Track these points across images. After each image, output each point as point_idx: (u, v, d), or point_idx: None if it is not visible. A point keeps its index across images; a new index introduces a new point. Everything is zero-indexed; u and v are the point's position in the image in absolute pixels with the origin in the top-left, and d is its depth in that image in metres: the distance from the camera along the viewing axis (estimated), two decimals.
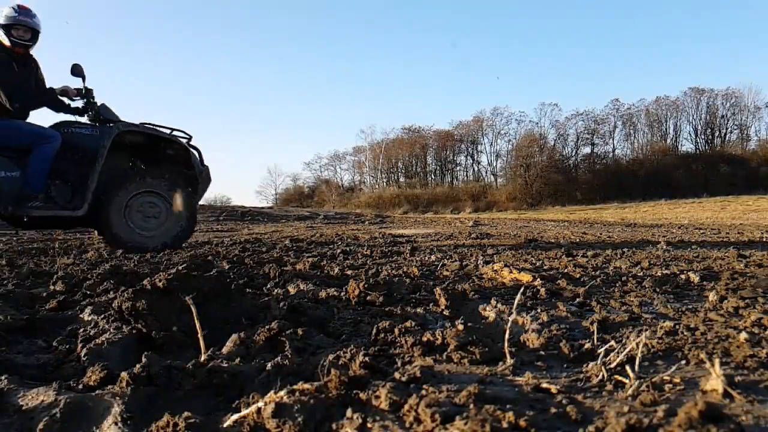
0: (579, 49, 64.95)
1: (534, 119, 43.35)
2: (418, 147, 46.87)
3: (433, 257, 3.48)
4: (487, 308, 1.61)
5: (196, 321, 1.11)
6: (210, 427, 0.78)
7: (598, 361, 1.00)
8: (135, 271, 2.34)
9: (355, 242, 5.31)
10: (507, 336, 1.11)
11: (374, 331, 1.33)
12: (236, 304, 1.46)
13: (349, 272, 2.59)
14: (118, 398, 0.87)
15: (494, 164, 45.16)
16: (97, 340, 1.21)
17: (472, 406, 0.76)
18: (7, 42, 4.07)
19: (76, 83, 4.44)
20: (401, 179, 47.75)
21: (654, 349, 1.14)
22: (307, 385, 0.81)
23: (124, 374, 0.93)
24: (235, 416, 0.79)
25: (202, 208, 15.48)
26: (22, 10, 4.11)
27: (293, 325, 1.30)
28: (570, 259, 3.27)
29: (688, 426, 0.67)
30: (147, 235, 4.35)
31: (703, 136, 40.72)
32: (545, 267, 2.81)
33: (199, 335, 1.10)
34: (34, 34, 4.17)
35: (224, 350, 1.16)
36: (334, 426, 0.74)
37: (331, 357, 0.98)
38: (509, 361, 1.05)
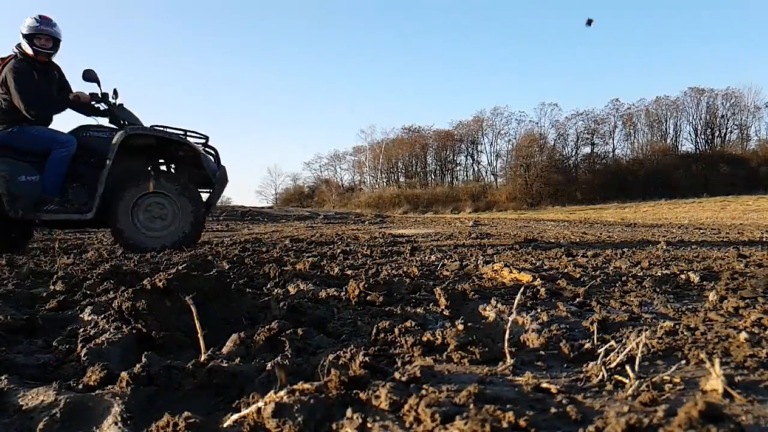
0: (579, 49, 64.98)
1: (534, 119, 43.33)
2: (418, 147, 46.86)
3: (433, 257, 3.48)
4: (487, 308, 1.61)
5: (196, 321, 1.11)
6: (210, 427, 0.79)
7: (598, 361, 1.00)
8: (135, 271, 2.34)
9: (355, 242, 5.31)
10: (507, 336, 1.11)
11: (374, 331, 1.33)
12: (236, 304, 1.46)
13: (349, 272, 2.59)
14: (118, 398, 0.87)
15: (494, 164, 45.18)
16: (97, 340, 1.21)
17: (472, 406, 0.76)
18: (30, 51, 4.24)
19: (91, 88, 4.55)
20: (401, 179, 47.76)
21: (654, 349, 1.14)
22: (307, 385, 0.81)
23: (124, 374, 0.93)
24: (235, 416, 0.79)
25: None
26: (43, 20, 4.26)
27: (293, 325, 1.30)
28: (570, 259, 3.27)
29: (688, 426, 0.67)
30: (153, 236, 4.37)
31: (703, 136, 40.74)
32: (545, 267, 2.81)
33: (199, 335, 1.10)
34: (56, 42, 4.34)
35: (224, 350, 1.16)
36: (334, 426, 0.74)
37: (331, 357, 0.99)
38: (509, 361, 1.05)
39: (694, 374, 0.98)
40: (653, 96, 45.81)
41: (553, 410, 0.78)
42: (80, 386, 0.97)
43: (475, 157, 46.11)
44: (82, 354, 1.14)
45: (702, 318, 1.48)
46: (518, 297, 1.35)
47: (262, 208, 24.02)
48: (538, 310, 1.61)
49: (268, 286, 2.10)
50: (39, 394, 0.91)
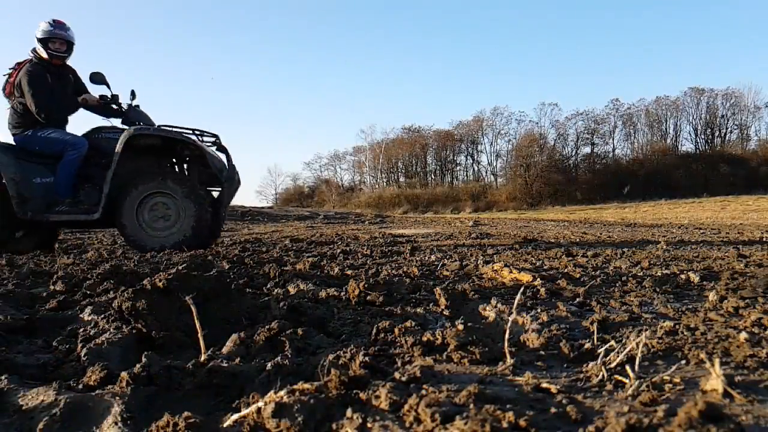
0: (579, 49, 65.01)
1: (534, 119, 43.36)
2: (418, 147, 46.86)
3: (433, 257, 3.48)
4: (487, 308, 1.61)
5: (196, 321, 1.11)
6: (210, 427, 0.79)
7: (598, 361, 1.00)
8: (135, 271, 2.34)
9: (355, 242, 5.31)
10: (507, 336, 1.11)
11: (374, 331, 1.33)
12: (236, 304, 1.45)
13: (349, 272, 2.59)
14: (118, 398, 0.87)
15: (494, 164, 45.21)
16: (97, 340, 1.21)
17: (472, 405, 0.76)
18: (45, 54, 4.35)
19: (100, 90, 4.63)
20: (401, 179, 47.76)
21: (654, 349, 1.14)
22: (307, 385, 0.81)
23: (124, 374, 0.93)
24: (235, 416, 0.79)
25: None
26: (57, 24, 4.37)
27: (293, 325, 1.30)
28: (570, 259, 3.27)
29: (688, 426, 0.67)
30: (155, 235, 4.38)
31: (703, 136, 40.75)
32: (545, 267, 2.81)
33: (199, 335, 1.10)
34: (69, 45, 4.45)
35: (224, 350, 1.16)
36: (334, 426, 0.74)
37: (331, 357, 0.98)
38: (509, 361, 1.05)
39: (694, 374, 0.98)
40: (653, 96, 45.89)
41: (553, 410, 0.78)
42: (80, 386, 0.97)
43: (475, 157, 46.16)
44: (82, 354, 1.14)
45: (702, 318, 1.48)
46: (518, 297, 1.35)
47: (262, 208, 24.00)
48: (538, 310, 1.61)
49: (268, 286, 2.10)
50: (39, 394, 0.91)
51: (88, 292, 1.95)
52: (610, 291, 2.01)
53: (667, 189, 32.49)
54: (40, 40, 4.32)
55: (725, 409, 0.78)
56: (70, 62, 4.59)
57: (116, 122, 4.61)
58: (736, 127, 40.20)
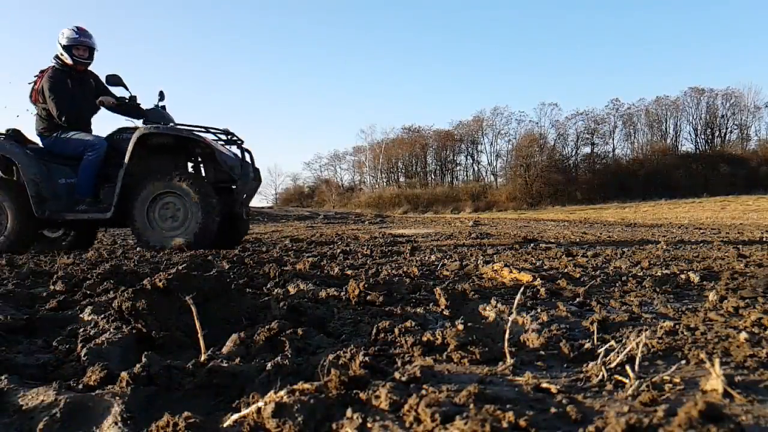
0: (579, 49, 65.01)
1: (534, 119, 43.39)
2: (418, 147, 46.87)
3: (433, 257, 3.48)
4: (487, 308, 1.61)
5: (196, 321, 1.11)
6: (210, 427, 0.78)
7: (598, 361, 1.00)
8: (135, 271, 2.34)
9: (355, 242, 5.31)
10: (507, 336, 1.11)
11: (374, 331, 1.33)
12: (236, 304, 1.45)
13: (349, 272, 2.59)
14: (118, 398, 0.87)
15: (494, 164, 45.23)
16: (97, 340, 1.20)
17: (472, 405, 0.76)
18: (69, 61, 4.52)
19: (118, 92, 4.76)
20: (401, 179, 47.77)
21: (654, 349, 1.14)
22: (307, 385, 0.81)
23: (124, 374, 0.93)
24: (235, 416, 0.79)
25: None
26: (81, 31, 4.54)
27: (293, 325, 1.30)
28: (570, 259, 3.27)
29: (688, 426, 0.67)
30: (165, 235, 4.42)
31: (703, 136, 40.77)
32: (545, 267, 2.81)
33: (199, 335, 1.10)
34: (91, 52, 4.64)
35: (224, 350, 1.16)
36: (334, 426, 0.74)
37: (331, 357, 0.98)
38: (509, 361, 1.05)
39: (694, 374, 0.98)
40: (653, 96, 45.89)
41: (553, 410, 0.78)
42: (80, 386, 0.97)
43: (475, 157, 46.17)
44: (82, 354, 1.14)
45: (702, 318, 1.48)
46: (518, 297, 1.35)
47: (262, 208, 24.01)
48: (538, 310, 1.61)
49: (268, 286, 2.10)
50: (39, 394, 0.91)
51: (88, 292, 1.95)
52: (610, 291, 2.01)
53: (667, 189, 32.50)
54: (65, 47, 4.47)
55: (725, 409, 0.78)
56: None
57: (140, 123, 4.67)
58: (736, 127, 40.27)
